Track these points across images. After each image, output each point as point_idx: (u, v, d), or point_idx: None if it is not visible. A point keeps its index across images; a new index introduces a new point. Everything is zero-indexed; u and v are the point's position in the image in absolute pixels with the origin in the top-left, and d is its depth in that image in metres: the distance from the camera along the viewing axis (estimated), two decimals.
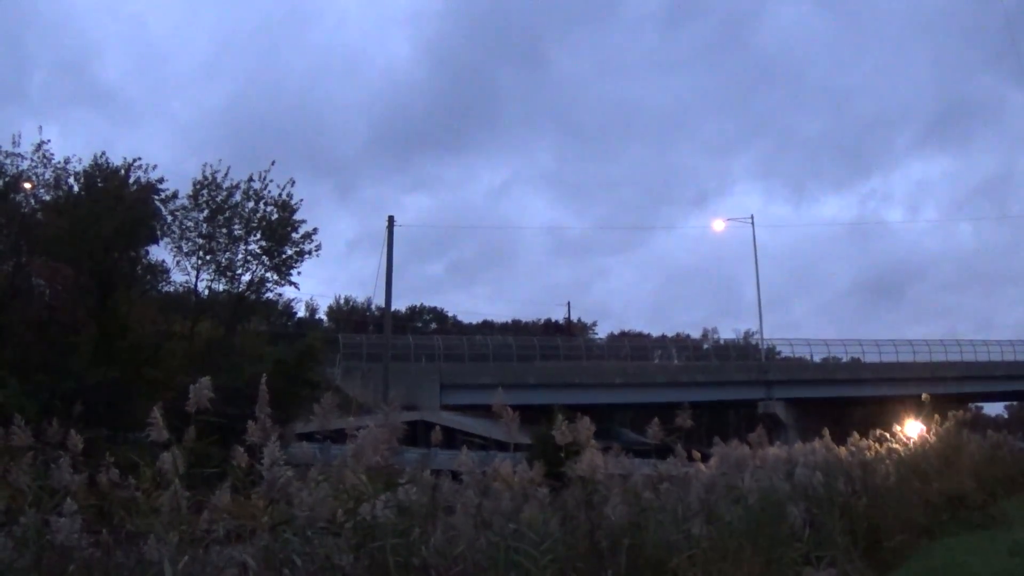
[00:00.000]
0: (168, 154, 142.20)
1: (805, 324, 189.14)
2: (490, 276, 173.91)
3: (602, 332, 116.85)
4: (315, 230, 44.11)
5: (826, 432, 17.23)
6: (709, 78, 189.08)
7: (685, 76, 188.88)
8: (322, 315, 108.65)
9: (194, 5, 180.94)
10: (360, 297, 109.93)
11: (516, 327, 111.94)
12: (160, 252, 44.89)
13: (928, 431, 20.60)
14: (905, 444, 19.31)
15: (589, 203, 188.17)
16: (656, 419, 10.68)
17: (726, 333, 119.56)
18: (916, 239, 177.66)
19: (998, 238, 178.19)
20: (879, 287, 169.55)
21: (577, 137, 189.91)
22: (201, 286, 43.69)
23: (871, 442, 18.10)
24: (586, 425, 8.86)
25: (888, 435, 19.74)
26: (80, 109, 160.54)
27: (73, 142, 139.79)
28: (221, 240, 42.54)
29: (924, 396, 24.08)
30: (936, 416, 21.32)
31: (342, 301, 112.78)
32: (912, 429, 21.37)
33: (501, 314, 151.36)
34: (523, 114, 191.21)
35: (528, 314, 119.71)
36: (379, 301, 63.37)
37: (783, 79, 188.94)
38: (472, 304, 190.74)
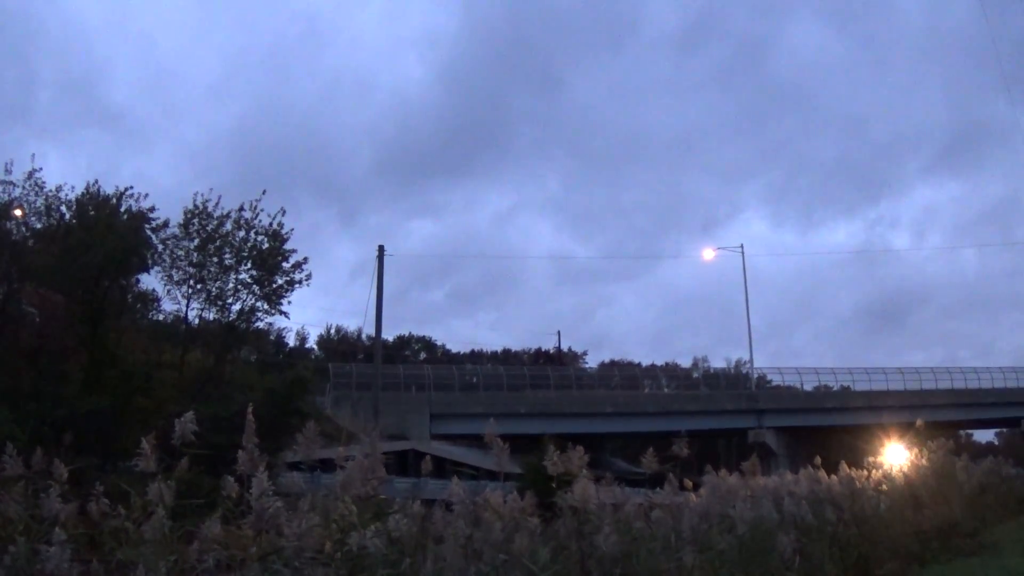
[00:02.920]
0: (174, 176, 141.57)
1: (808, 351, 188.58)
2: (490, 304, 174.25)
3: (598, 360, 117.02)
4: (305, 259, 44.24)
5: (818, 460, 17.24)
6: (722, 103, 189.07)
7: (698, 101, 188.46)
8: (312, 344, 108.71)
9: (205, 25, 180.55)
10: (353, 326, 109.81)
11: (506, 356, 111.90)
12: (151, 281, 45.09)
13: (918, 458, 20.60)
14: (892, 473, 19.31)
15: (596, 229, 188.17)
16: (651, 448, 10.68)
17: (718, 362, 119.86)
18: (920, 265, 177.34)
19: (1002, 264, 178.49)
20: (882, 313, 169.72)
21: (587, 162, 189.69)
22: (191, 315, 43.75)
23: (861, 470, 18.11)
24: (579, 455, 8.86)
25: (877, 463, 19.78)
26: (87, 129, 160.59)
27: (78, 163, 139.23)
28: (212, 269, 42.60)
29: (918, 423, 24.10)
30: (930, 443, 21.30)
31: (332, 330, 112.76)
32: (894, 455, 21.38)
33: (503, 342, 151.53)
34: (533, 139, 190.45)
35: (529, 342, 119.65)
36: (370, 330, 63.33)
37: (796, 104, 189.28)
38: (472, 332, 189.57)
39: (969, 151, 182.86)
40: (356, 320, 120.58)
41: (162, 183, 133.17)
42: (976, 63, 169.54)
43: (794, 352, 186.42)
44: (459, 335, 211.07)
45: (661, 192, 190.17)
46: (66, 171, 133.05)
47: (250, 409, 7.51)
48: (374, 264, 55.53)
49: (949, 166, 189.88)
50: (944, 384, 79.67)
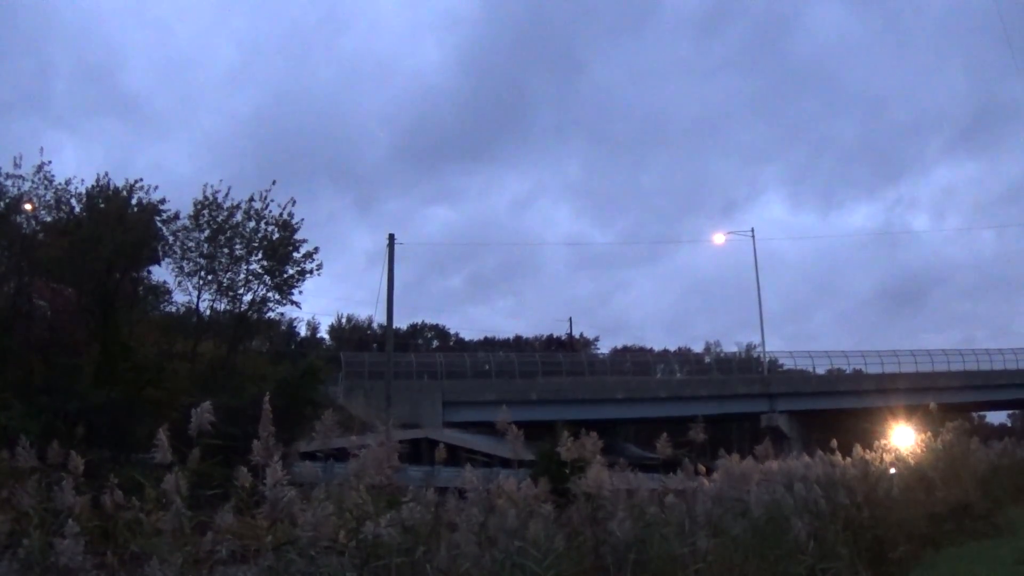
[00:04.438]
0: (191, 164, 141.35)
1: (825, 334, 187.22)
2: (507, 291, 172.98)
3: (614, 345, 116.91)
4: (316, 249, 44.26)
5: (835, 443, 17.22)
6: (743, 85, 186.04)
7: (719, 83, 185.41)
8: (324, 334, 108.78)
9: (222, 11, 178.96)
10: (371, 314, 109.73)
11: (518, 343, 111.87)
12: (162, 273, 45.20)
13: (922, 440, 20.56)
14: (904, 455, 19.30)
15: (615, 214, 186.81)
16: (665, 434, 10.67)
17: (732, 346, 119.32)
18: (939, 246, 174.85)
19: (1020, 244, 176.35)
20: (900, 295, 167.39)
21: (607, 146, 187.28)
22: (203, 306, 43.81)
23: (874, 453, 18.09)
24: (593, 441, 8.85)
25: (890, 446, 19.76)
26: (103, 118, 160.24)
27: (95, 152, 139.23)
28: (222, 260, 42.63)
29: (931, 405, 24.06)
30: (948, 424, 21.25)
31: (344, 320, 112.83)
32: (901, 437, 21.33)
33: (521, 329, 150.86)
34: (553, 123, 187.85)
35: (546, 329, 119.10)
36: (381, 319, 63.30)
37: (817, 85, 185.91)
38: (489, 319, 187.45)
39: (989, 131, 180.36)
40: (373, 308, 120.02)
41: (179, 172, 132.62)
42: (997, 43, 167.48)
43: (812, 335, 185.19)
44: (476, 322, 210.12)
45: (681, 175, 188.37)
46: (82, 161, 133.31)
47: (266, 398, 7.51)
48: (389, 253, 55.42)
49: (969, 146, 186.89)
50: (957, 366, 79.45)
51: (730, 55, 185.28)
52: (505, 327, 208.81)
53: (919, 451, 19.86)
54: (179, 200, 41.09)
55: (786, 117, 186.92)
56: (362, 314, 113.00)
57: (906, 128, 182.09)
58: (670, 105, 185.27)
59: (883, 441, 20.23)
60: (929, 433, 20.94)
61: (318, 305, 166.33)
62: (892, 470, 17.68)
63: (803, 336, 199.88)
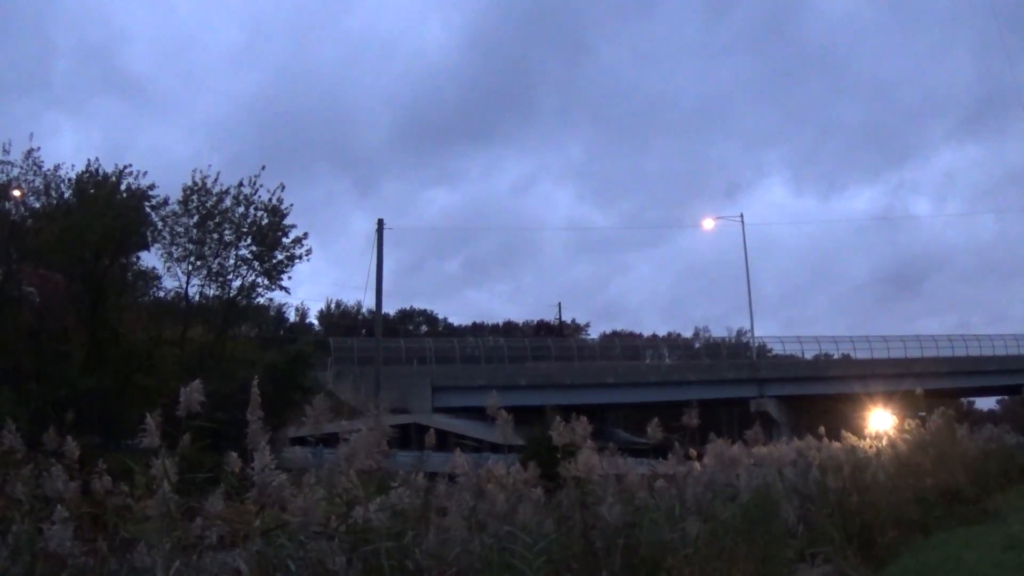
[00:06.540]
0: (191, 145, 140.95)
1: (822, 319, 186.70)
2: (504, 275, 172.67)
3: (605, 331, 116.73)
4: (305, 234, 44.16)
5: (822, 429, 17.24)
6: (749, 67, 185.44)
7: (725, 66, 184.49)
8: (313, 319, 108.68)
9: None
10: (366, 299, 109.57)
11: (508, 328, 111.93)
12: (151, 258, 44.95)
13: (903, 424, 20.59)
14: (896, 440, 19.32)
15: (617, 197, 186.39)
16: (656, 419, 10.67)
17: (720, 331, 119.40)
18: (939, 230, 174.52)
19: (1020, 229, 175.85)
20: (898, 280, 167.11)
21: (610, 129, 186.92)
22: (192, 292, 43.64)
23: (863, 438, 18.13)
24: (583, 425, 8.85)
25: (881, 432, 19.79)
26: (104, 99, 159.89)
27: (95, 133, 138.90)
28: (212, 245, 42.49)
29: (917, 391, 24.13)
30: (941, 410, 21.29)
31: (333, 305, 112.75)
32: (880, 421, 21.39)
33: (518, 314, 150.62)
34: (557, 104, 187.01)
35: (542, 314, 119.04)
36: (371, 304, 63.25)
37: (824, 68, 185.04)
38: (488, 304, 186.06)
39: (994, 116, 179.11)
40: (369, 292, 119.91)
41: (179, 152, 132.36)
42: (1003, 28, 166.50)
43: (810, 319, 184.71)
44: (472, 307, 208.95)
45: (685, 158, 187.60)
46: (81, 142, 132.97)
47: (255, 383, 7.49)
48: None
49: (973, 131, 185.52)
50: (946, 352, 79.69)
51: (736, 37, 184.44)
52: (500, 312, 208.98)
53: (910, 436, 19.88)
54: (178, 181, 41.02)
55: (791, 100, 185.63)
56: (357, 298, 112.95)
57: (911, 112, 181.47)
58: (675, 88, 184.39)
59: (871, 426, 20.30)
60: (914, 418, 20.98)
61: (316, 288, 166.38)
62: (883, 456, 17.71)
63: (801, 320, 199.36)
